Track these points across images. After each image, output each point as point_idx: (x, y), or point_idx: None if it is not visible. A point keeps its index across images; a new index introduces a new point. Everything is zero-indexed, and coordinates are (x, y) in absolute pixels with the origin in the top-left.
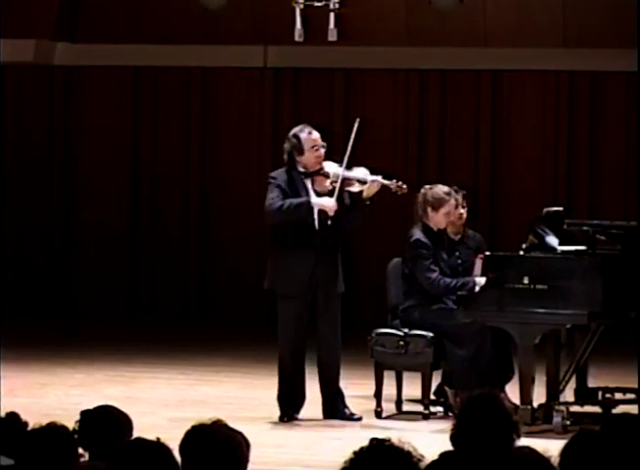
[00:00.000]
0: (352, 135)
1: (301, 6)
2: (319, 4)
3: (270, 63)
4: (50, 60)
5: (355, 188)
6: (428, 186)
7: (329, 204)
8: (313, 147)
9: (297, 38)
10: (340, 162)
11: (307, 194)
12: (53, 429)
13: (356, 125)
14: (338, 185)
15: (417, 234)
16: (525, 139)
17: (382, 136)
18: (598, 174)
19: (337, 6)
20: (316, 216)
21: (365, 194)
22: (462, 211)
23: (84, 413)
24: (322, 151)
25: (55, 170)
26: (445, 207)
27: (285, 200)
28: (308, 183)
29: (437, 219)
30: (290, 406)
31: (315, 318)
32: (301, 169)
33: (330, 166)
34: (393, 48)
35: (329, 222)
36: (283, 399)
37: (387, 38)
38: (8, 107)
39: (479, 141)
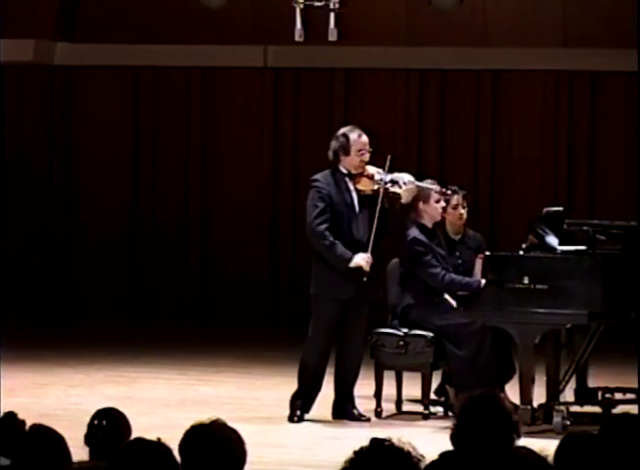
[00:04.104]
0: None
1: (301, 6)
2: (319, 4)
3: (270, 63)
4: (50, 60)
5: (397, 189)
6: None
7: (364, 263)
8: (360, 151)
9: (297, 38)
10: (381, 167)
11: (351, 197)
12: (42, 431)
13: (388, 162)
14: (382, 188)
15: (413, 233)
16: (525, 139)
17: (382, 136)
18: (598, 174)
19: (337, 6)
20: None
21: (404, 200)
22: (462, 211)
23: (98, 413)
24: (367, 156)
25: (55, 170)
26: (434, 195)
27: (335, 243)
28: (351, 185)
29: (431, 211)
30: (301, 408)
31: (343, 322)
32: (344, 170)
33: (372, 169)
34: (393, 48)
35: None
36: (298, 400)
37: (387, 38)
38: (8, 107)
39: (479, 141)
